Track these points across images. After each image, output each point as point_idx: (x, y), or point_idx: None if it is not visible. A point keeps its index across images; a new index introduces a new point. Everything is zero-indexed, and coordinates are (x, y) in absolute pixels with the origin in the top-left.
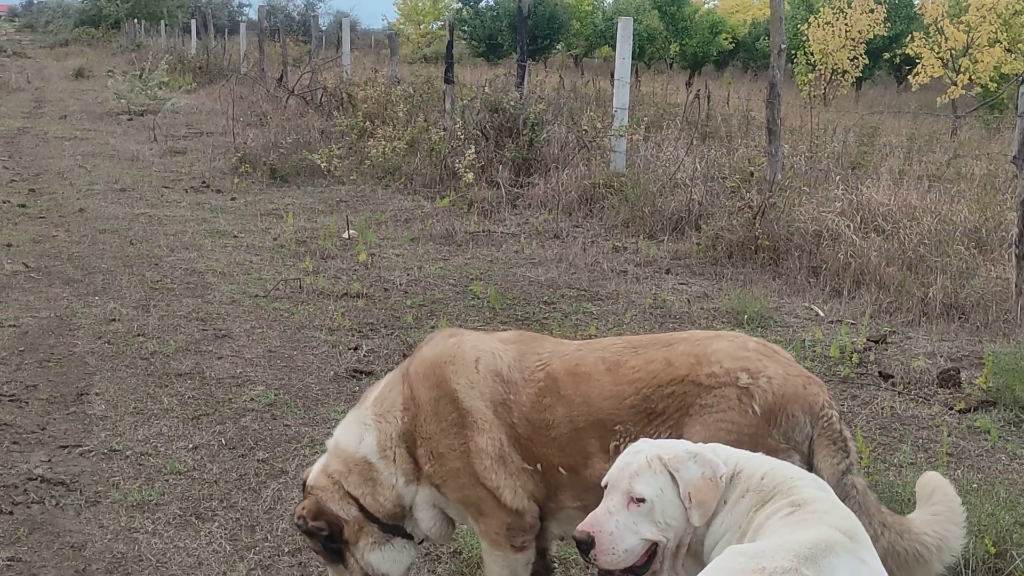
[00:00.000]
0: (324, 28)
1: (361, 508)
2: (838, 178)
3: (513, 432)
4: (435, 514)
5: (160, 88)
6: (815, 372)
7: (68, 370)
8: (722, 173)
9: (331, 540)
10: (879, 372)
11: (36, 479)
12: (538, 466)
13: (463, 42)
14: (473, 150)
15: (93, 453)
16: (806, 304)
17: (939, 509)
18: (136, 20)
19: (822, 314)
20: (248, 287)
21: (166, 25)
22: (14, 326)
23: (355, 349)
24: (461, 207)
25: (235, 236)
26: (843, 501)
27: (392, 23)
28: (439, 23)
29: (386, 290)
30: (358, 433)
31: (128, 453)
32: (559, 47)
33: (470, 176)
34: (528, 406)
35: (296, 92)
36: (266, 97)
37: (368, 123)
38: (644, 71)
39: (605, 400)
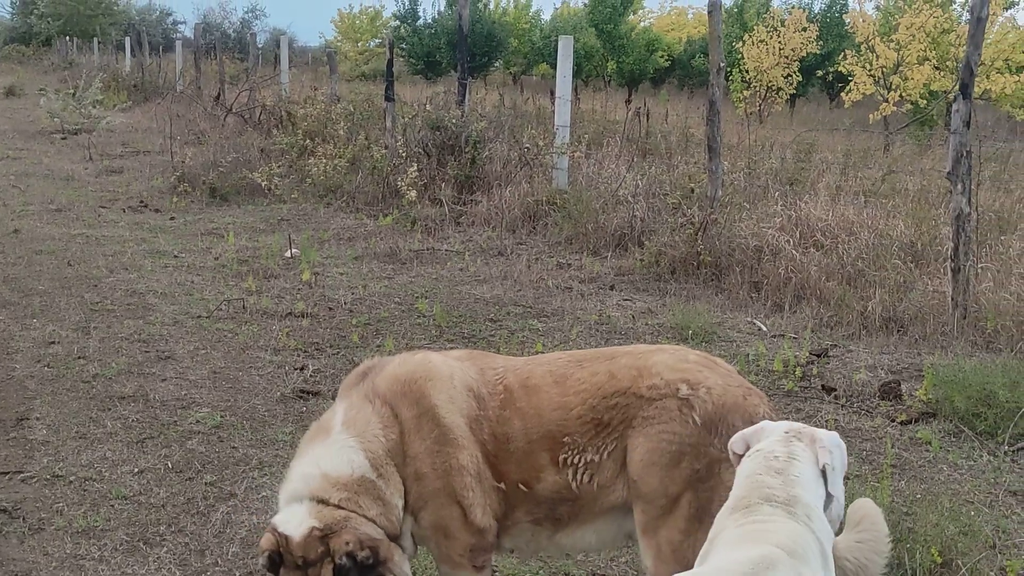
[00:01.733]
0: (261, 45)
1: (377, 528)
2: (777, 194)
3: (484, 449)
4: (409, 543)
5: (94, 106)
6: (759, 386)
7: (7, 395)
8: (663, 190)
9: (371, 568)
10: (822, 385)
11: None
12: (502, 484)
13: (401, 59)
14: (415, 168)
15: (35, 479)
16: (748, 319)
17: (864, 536)
18: (68, 38)
19: (764, 328)
20: (190, 308)
21: (99, 43)
22: None
23: (301, 369)
24: (404, 225)
25: (175, 256)
26: None
27: (330, 40)
28: (376, 41)
29: (331, 309)
30: (343, 456)
31: (72, 478)
32: (497, 65)
33: (413, 194)
34: (494, 420)
35: (234, 110)
36: (204, 115)
37: (308, 141)
38: (582, 88)
39: (554, 411)
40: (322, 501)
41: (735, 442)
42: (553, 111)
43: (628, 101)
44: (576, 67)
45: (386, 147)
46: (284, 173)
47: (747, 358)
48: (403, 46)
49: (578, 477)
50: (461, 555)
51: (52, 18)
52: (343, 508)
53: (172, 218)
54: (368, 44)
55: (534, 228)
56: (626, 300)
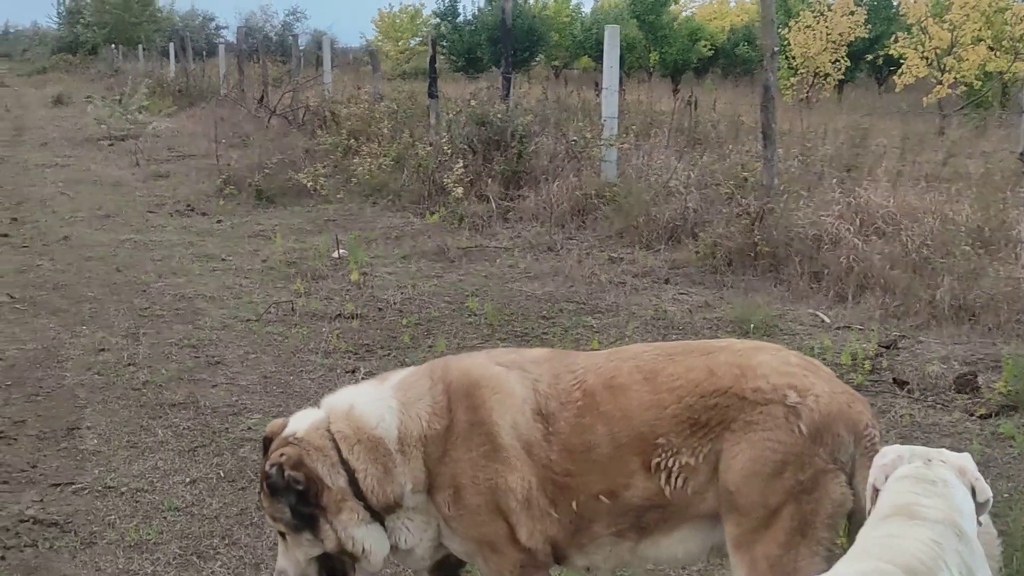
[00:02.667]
0: (303, 47)
1: (353, 482)
2: (834, 181)
3: (547, 472)
4: (428, 540)
5: (140, 112)
6: None
7: (58, 404)
8: (715, 179)
9: (303, 501)
10: (893, 379)
11: (28, 520)
12: (573, 503)
13: (442, 57)
14: (461, 164)
15: (87, 491)
16: (810, 310)
17: None
18: (114, 45)
19: (827, 320)
20: (239, 311)
21: (144, 50)
22: (0, 360)
23: (353, 372)
24: (451, 222)
25: (223, 259)
26: None
27: (371, 40)
28: (417, 39)
29: (380, 310)
30: (378, 411)
31: (123, 490)
32: (539, 59)
33: (459, 191)
34: (567, 432)
35: (278, 112)
36: (248, 118)
37: (352, 140)
38: (625, 80)
39: (646, 411)
40: (328, 427)
41: (876, 477)
42: (598, 103)
43: (675, 91)
44: (619, 58)
45: (431, 144)
46: (329, 173)
47: (812, 351)
48: (444, 43)
49: (672, 482)
50: (512, 571)
51: (98, 27)
52: (331, 439)
53: (219, 221)
54: (409, 43)
55: (583, 222)
56: (682, 294)
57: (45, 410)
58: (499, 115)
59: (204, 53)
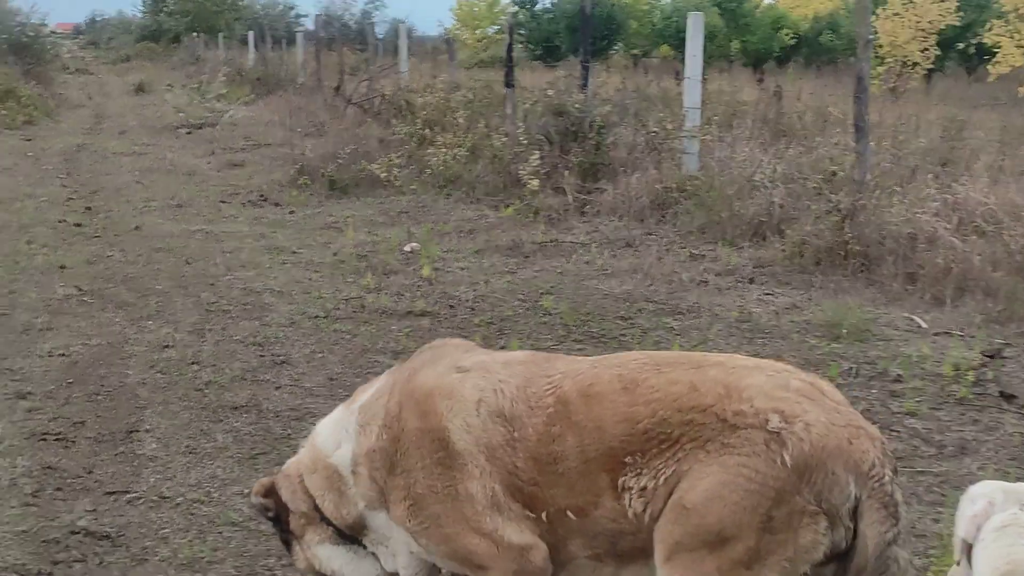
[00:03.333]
0: (381, 36)
1: (316, 508)
2: (929, 176)
3: (513, 479)
4: (415, 561)
5: (218, 100)
6: (927, 393)
7: (118, 404)
8: (802, 173)
9: (277, 526)
10: (1000, 392)
11: (80, 532)
12: (544, 514)
13: (520, 45)
14: (537, 156)
15: (141, 500)
16: (905, 314)
17: None
18: (196, 34)
19: (924, 325)
20: (307, 307)
21: (224, 38)
22: (64, 355)
23: None
24: (526, 216)
25: (294, 252)
26: None
27: (448, 28)
28: (495, 27)
29: (452, 307)
30: (336, 438)
31: (179, 500)
32: (617, 48)
33: (535, 183)
34: (534, 440)
35: (354, 101)
36: (324, 107)
37: (428, 130)
38: (706, 69)
39: (618, 424)
40: (298, 457)
41: (966, 530)
42: (679, 93)
43: (760, 80)
44: (702, 47)
45: (506, 135)
46: (403, 164)
47: (910, 360)
48: (521, 31)
49: (632, 505)
50: None
51: (180, 15)
52: (297, 470)
53: (291, 212)
54: (487, 31)
55: (663, 217)
56: (768, 294)
57: (105, 411)
58: (577, 105)
59: (283, 41)
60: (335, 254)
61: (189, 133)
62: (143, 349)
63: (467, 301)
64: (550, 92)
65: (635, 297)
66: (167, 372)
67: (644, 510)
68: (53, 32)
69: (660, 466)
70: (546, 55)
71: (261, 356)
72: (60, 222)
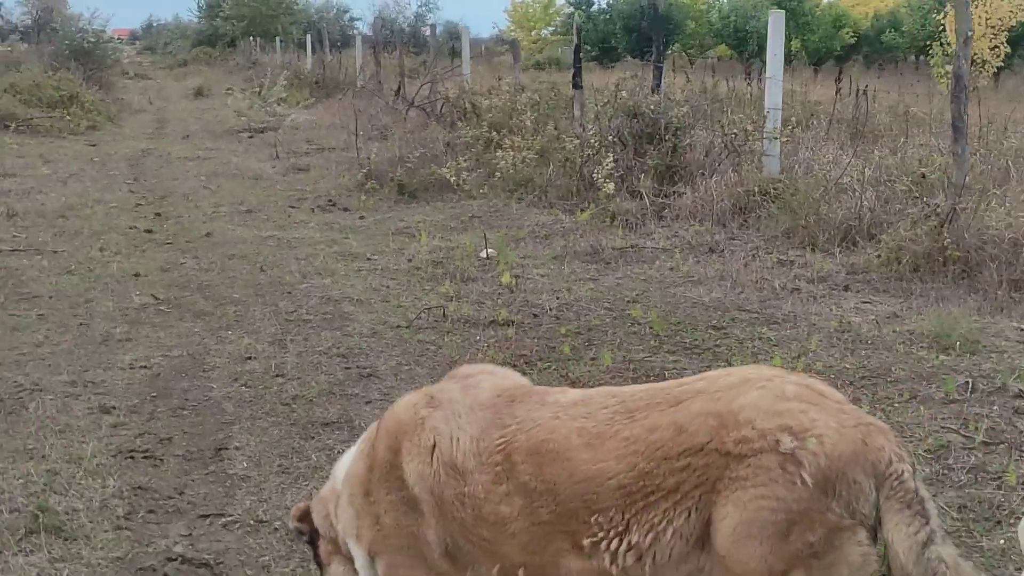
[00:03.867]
0: (438, 38)
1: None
2: None
3: (465, 532)
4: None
5: (279, 104)
6: None
7: (204, 419)
8: (890, 176)
9: (313, 549)
10: None
11: (176, 559)
12: (497, 569)
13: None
14: (611, 158)
15: (237, 525)
16: (1015, 323)
17: None
18: (252, 38)
19: None
20: (388, 316)
21: (281, 42)
22: (145, 367)
23: None
24: (602, 220)
25: (368, 258)
26: None
27: (503, 30)
28: (549, 29)
29: (535, 316)
30: (342, 465)
31: (276, 524)
32: (674, 48)
33: (611, 186)
34: (482, 497)
35: (416, 104)
36: (385, 110)
37: (494, 133)
38: (763, 69)
39: (577, 484)
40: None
41: None
42: (749, 94)
43: (838, 79)
44: (755, 47)
45: (577, 137)
46: (471, 167)
47: None
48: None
49: (619, 561)
50: None
51: (236, 20)
52: (329, 495)
53: (361, 217)
54: (541, 32)
55: (745, 221)
56: (865, 303)
57: (191, 426)
58: (651, 106)
59: (338, 44)
60: (410, 260)
61: (251, 137)
62: (225, 361)
63: (551, 310)
64: (624, 93)
65: (726, 305)
66: (252, 385)
67: (639, 560)
68: (112, 38)
69: (656, 519)
70: (602, 56)
71: (347, 368)
72: (131, 228)
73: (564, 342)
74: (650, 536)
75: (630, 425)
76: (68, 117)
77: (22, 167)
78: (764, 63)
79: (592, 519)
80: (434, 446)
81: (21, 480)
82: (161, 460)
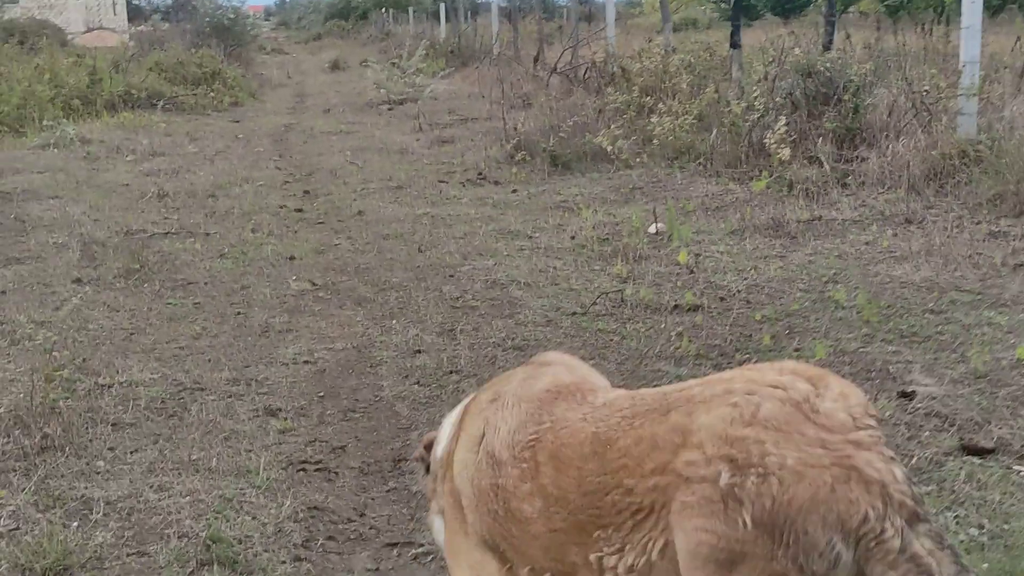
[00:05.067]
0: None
1: None
2: None
3: (497, 526)
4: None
5: (416, 75)
6: None
7: (377, 424)
8: None
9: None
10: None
11: None
12: (526, 571)
13: (711, 4)
14: (783, 122)
15: (430, 557)
16: None
17: None
18: (384, 9)
19: None
20: (560, 302)
21: (414, 12)
22: (308, 362)
23: None
24: (779, 190)
25: (528, 236)
26: None
27: None
28: None
29: (723, 299)
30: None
31: None
32: (816, 2)
33: (786, 152)
34: (511, 491)
35: (559, 70)
36: (526, 77)
37: (647, 98)
38: (933, 20)
39: (584, 497)
40: None
41: None
42: (924, 49)
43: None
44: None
45: (738, 99)
46: (624, 135)
47: None
48: None
49: None
50: None
51: None
52: None
53: (514, 191)
54: None
55: (942, 187)
56: None
57: (364, 432)
58: (828, 64)
59: (471, 12)
60: (573, 238)
61: (391, 109)
62: (392, 355)
63: (739, 292)
64: (797, 50)
65: (940, 285)
66: (424, 383)
67: None
68: (249, 15)
69: (644, 540)
70: (742, 14)
71: (524, 362)
72: (281, 207)
73: (761, 330)
74: (643, 559)
75: (627, 434)
76: (212, 94)
77: (170, 146)
78: (944, 12)
79: (596, 534)
80: (481, 437)
81: (188, 498)
82: (336, 474)
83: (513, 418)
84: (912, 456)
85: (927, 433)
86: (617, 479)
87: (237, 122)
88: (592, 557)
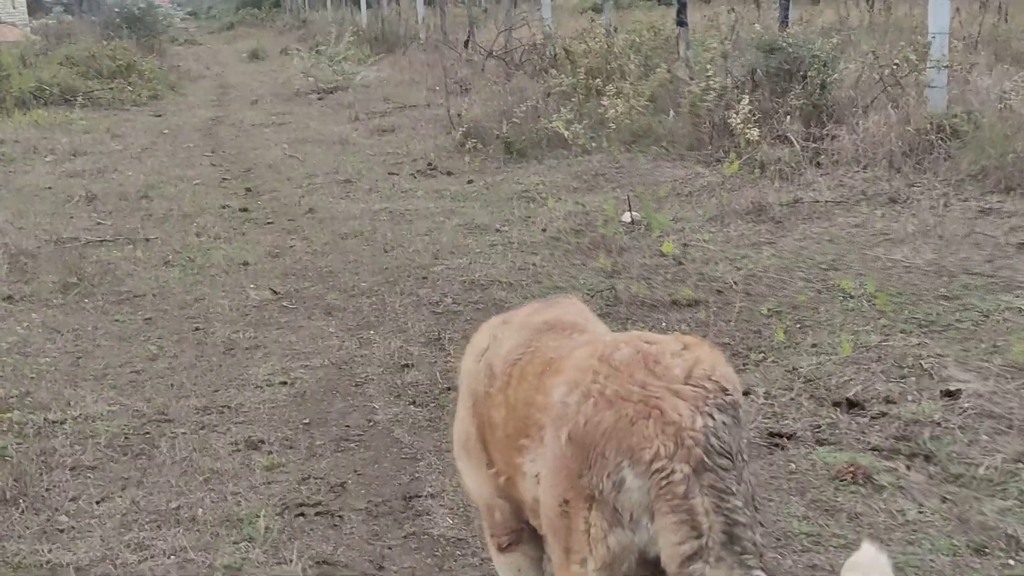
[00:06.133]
0: None
1: None
2: None
3: (482, 431)
4: None
5: (343, 62)
6: None
7: (378, 455)
8: None
9: None
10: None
11: None
12: (501, 478)
13: None
14: (747, 101)
15: None
16: None
17: None
18: None
19: None
20: None
21: None
22: (285, 383)
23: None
24: (750, 171)
25: (497, 231)
26: None
27: None
28: None
29: (720, 292)
30: None
31: None
32: None
33: (754, 132)
34: (493, 399)
35: (495, 54)
36: (460, 62)
37: (594, 80)
38: None
39: (523, 407)
40: None
41: None
42: (891, 20)
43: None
44: None
45: (691, 79)
46: (576, 119)
47: None
48: None
49: (532, 491)
50: (483, 528)
51: None
52: None
53: (470, 181)
54: None
55: (919, 164)
56: None
57: (364, 465)
58: (790, 39)
59: None
60: (544, 230)
61: (321, 99)
62: (377, 371)
63: (736, 284)
64: (757, 26)
65: (947, 269)
66: (421, 403)
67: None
68: (159, 5)
69: (544, 451)
70: None
71: None
72: (224, 207)
73: (770, 325)
74: (541, 468)
75: (554, 363)
76: (129, 87)
77: (91, 144)
78: None
79: (522, 443)
80: (486, 349)
81: (175, 559)
82: (340, 518)
83: (511, 340)
84: (979, 465)
85: (985, 437)
86: (534, 397)
87: (160, 116)
88: (519, 461)
